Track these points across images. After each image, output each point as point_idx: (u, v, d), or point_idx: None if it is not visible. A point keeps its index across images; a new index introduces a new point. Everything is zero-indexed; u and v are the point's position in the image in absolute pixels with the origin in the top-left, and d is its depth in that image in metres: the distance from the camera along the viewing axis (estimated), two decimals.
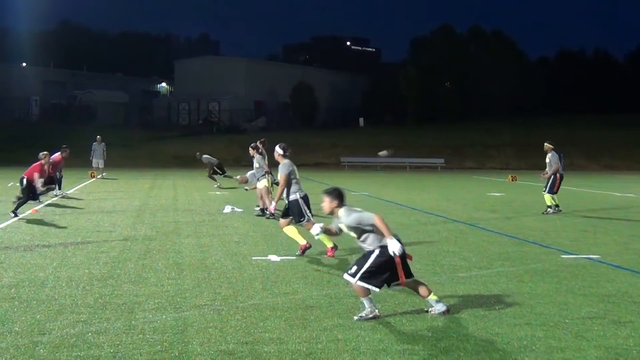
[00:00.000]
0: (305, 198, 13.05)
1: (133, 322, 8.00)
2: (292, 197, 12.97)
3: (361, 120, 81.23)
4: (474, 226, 17.54)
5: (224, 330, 7.72)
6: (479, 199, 25.95)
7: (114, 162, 52.24)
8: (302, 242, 12.84)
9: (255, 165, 19.49)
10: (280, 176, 13.03)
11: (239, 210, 20.42)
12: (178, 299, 9.12)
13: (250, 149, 20.32)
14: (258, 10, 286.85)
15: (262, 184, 19.10)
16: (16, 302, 8.83)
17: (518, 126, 71.59)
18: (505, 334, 7.70)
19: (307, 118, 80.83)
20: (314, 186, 28.94)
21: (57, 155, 24.42)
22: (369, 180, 39.07)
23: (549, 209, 20.29)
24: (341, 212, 8.62)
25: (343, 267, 11.43)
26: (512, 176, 39.86)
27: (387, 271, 8.29)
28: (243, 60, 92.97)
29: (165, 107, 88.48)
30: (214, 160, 31.63)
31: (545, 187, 20.50)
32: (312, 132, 69.74)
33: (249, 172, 20.22)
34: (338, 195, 8.70)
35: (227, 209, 20.51)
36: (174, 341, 7.29)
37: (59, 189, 24.87)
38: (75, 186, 29.72)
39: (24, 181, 18.56)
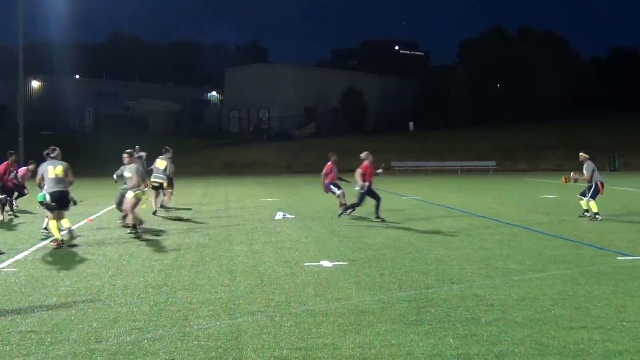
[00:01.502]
0: None
1: (187, 329, 8.08)
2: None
3: (411, 124, 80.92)
4: (528, 229, 17.34)
5: (278, 336, 7.75)
6: (532, 202, 25.64)
7: None
8: (58, 237, 14.39)
9: (127, 174, 17.90)
10: None
11: (291, 216, 20.49)
12: (231, 306, 9.18)
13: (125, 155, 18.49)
14: (307, 17, 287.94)
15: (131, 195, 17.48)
16: (73, 311, 8.98)
17: (571, 127, 70.67)
18: (562, 338, 7.59)
19: (357, 123, 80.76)
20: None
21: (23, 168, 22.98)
22: (420, 184, 38.89)
23: (586, 213, 19.94)
24: None
25: (396, 272, 11.41)
26: (565, 178, 39.11)
27: None
28: (292, 67, 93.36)
29: (216, 116, 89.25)
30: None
31: (585, 194, 20.03)
32: (362, 137, 69.60)
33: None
34: None
35: (279, 215, 20.61)
36: (228, 347, 7.34)
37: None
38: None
39: None
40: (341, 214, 20.27)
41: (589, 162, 20.27)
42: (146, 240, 15.73)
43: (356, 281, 10.75)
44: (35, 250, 14.25)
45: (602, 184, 20.02)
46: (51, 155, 15.14)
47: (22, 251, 14.09)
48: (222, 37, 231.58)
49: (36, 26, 64.45)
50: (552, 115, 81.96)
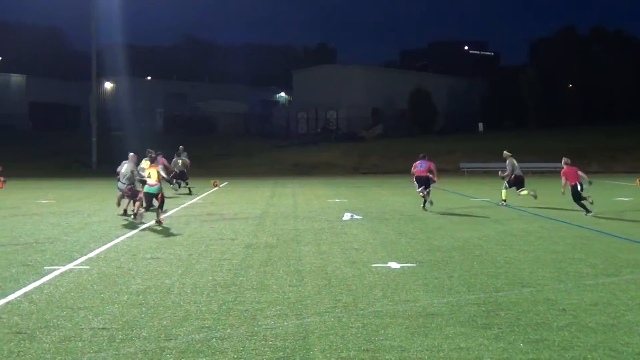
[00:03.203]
0: None
1: (256, 328, 8.12)
2: None
3: (480, 125, 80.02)
4: (600, 232, 16.97)
5: (345, 337, 7.73)
6: (605, 204, 25.05)
7: (234, 171, 53.42)
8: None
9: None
10: None
11: (358, 217, 20.46)
12: (299, 306, 9.20)
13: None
14: (375, 18, 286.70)
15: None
16: (144, 308, 9.11)
17: None
18: (636, 344, 7.40)
19: (425, 124, 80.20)
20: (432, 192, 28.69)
21: None
22: (490, 186, 38.34)
23: None
24: None
25: (465, 274, 11.29)
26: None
27: None
28: (360, 68, 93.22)
29: (284, 116, 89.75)
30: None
31: None
32: (430, 138, 69.10)
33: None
34: None
35: (347, 216, 20.60)
36: (296, 348, 7.35)
37: None
38: (199, 195, 30.47)
39: None
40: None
41: None
42: (215, 240, 15.87)
43: (424, 283, 10.66)
44: (107, 249, 14.52)
45: None
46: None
47: (94, 249, 14.36)
48: (290, 38, 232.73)
49: (109, 30, 65.81)
50: (625, 116, 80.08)
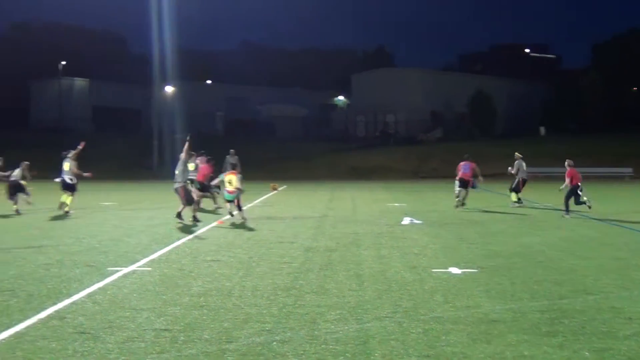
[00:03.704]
0: None
1: (316, 332, 8.11)
2: None
3: (542, 129, 78.96)
4: None
5: (406, 342, 7.67)
6: None
7: (292, 175, 53.64)
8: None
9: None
10: None
11: (418, 222, 20.34)
12: (359, 310, 9.16)
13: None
14: (433, 21, 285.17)
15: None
16: (205, 310, 9.17)
17: None
18: None
19: (485, 127, 79.45)
20: (491, 197, 28.39)
21: None
22: (552, 191, 37.77)
23: None
24: None
25: (528, 281, 11.12)
26: None
27: None
28: (419, 72, 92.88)
29: (342, 120, 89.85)
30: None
31: None
32: (490, 141, 68.42)
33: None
34: None
35: (406, 220, 20.50)
36: (357, 352, 7.32)
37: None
38: (258, 198, 30.65)
39: None
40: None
41: None
42: (275, 243, 15.94)
43: (486, 289, 10.53)
44: (169, 251, 14.68)
45: None
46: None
47: (156, 251, 14.53)
48: (349, 42, 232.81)
49: (169, 34, 66.62)
50: None
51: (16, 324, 8.44)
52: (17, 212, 23.02)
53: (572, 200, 22.08)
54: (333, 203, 28.74)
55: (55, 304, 9.52)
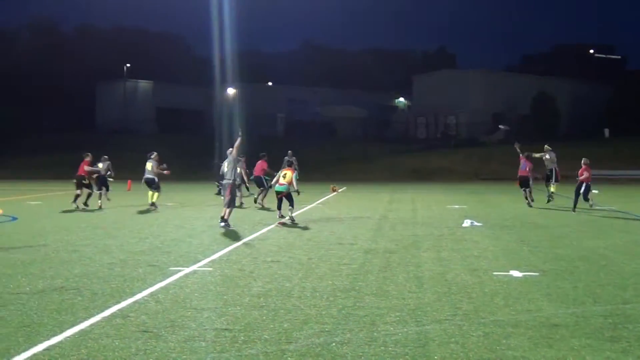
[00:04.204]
0: None
1: (375, 334, 8.10)
2: None
3: (606, 130, 77.49)
4: None
5: (466, 346, 7.61)
6: None
7: (352, 177, 53.62)
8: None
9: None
10: None
11: (478, 224, 20.16)
12: (419, 313, 9.13)
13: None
14: (495, 22, 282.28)
15: None
16: (265, 311, 9.24)
17: None
18: None
19: (548, 129, 78.22)
20: (557, 199, 27.96)
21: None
22: (616, 193, 37.12)
23: None
24: None
25: (591, 285, 10.95)
26: None
27: None
28: (480, 73, 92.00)
29: (403, 122, 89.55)
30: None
31: None
32: (553, 143, 67.08)
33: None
34: None
35: (466, 223, 20.33)
36: (416, 355, 7.29)
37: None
38: (318, 200, 30.73)
39: None
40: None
41: None
42: (334, 244, 15.97)
43: (547, 293, 10.39)
44: (229, 251, 14.82)
45: None
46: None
47: (217, 252, 14.69)
48: (409, 43, 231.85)
49: (231, 36, 67.34)
50: None
51: (81, 321, 8.62)
52: (100, 208, 25.57)
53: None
54: (393, 205, 28.66)
55: (118, 302, 9.70)
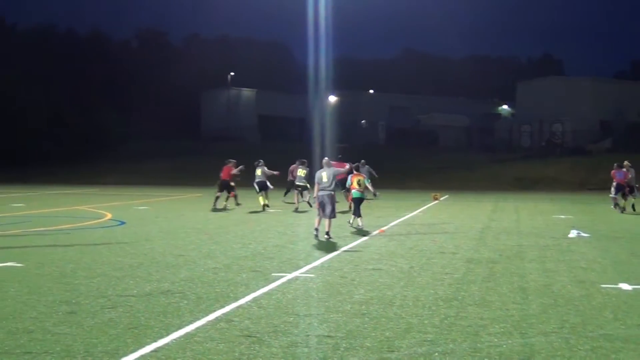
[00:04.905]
0: None
1: (479, 345, 7.99)
2: None
3: None
4: None
5: (573, 359, 7.41)
6: None
7: (454, 185, 53.06)
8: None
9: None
10: None
11: (586, 235, 19.60)
12: (524, 325, 8.95)
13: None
14: (604, 27, 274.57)
15: None
16: (366, 319, 9.23)
17: None
18: None
19: None
20: None
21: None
22: None
23: None
24: None
25: None
26: None
27: None
28: (588, 80, 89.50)
29: (506, 129, 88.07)
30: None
31: None
32: None
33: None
34: None
35: (573, 233, 19.80)
36: None
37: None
38: (419, 208, 30.54)
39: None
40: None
41: None
42: (436, 253, 15.83)
43: None
44: (330, 258, 14.89)
45: None
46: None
47: (319, 258, 14.77)
48: (513, 49, 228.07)
49: (332, 44, 67.70)
50: None
51: (186, 325, 8.82)
52: (225, 208, 28.51)
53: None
54: (496, 214, 28.21)
55: (223, 307, 9.87)
